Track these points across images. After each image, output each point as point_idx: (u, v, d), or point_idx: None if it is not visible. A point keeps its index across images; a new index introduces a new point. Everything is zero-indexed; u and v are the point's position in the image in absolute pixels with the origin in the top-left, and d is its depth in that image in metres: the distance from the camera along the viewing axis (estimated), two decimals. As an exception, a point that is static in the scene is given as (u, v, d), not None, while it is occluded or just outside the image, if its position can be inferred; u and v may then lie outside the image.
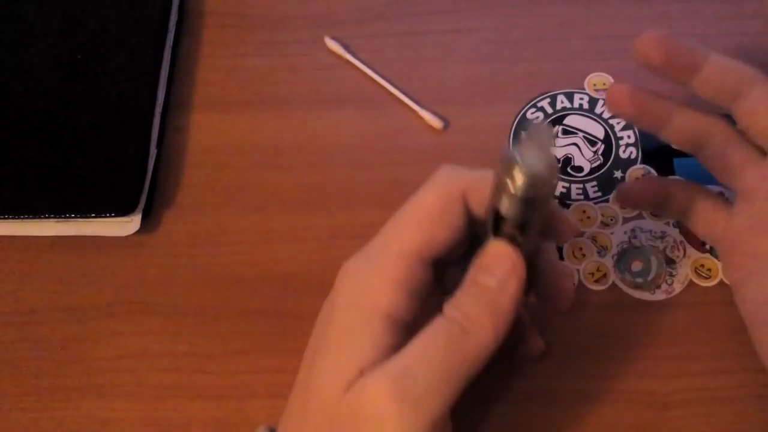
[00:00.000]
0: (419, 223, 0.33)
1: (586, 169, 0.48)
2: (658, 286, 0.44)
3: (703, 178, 0.43)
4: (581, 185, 0.47)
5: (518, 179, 0.28)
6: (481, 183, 0.32)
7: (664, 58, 0.38)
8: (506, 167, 0.28)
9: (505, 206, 0.30)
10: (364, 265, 0.33)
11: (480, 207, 0.33)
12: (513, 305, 0.31)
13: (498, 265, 0.31)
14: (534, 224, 0.31)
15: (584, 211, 0.46)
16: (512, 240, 0.31)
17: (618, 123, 0.49)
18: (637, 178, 0.47)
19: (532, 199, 0.29)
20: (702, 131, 0.40)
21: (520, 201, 0.29)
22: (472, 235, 0.34)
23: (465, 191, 0.33)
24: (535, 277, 0.35)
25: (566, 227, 0.34)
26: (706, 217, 0.41)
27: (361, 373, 0.30)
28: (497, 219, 0.31)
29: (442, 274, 0.35)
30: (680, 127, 0.40)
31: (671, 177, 0.46)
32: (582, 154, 0.48)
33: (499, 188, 0.29)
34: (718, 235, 0.40)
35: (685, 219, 0.43)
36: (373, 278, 0.32)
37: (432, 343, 0.30)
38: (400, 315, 0.32)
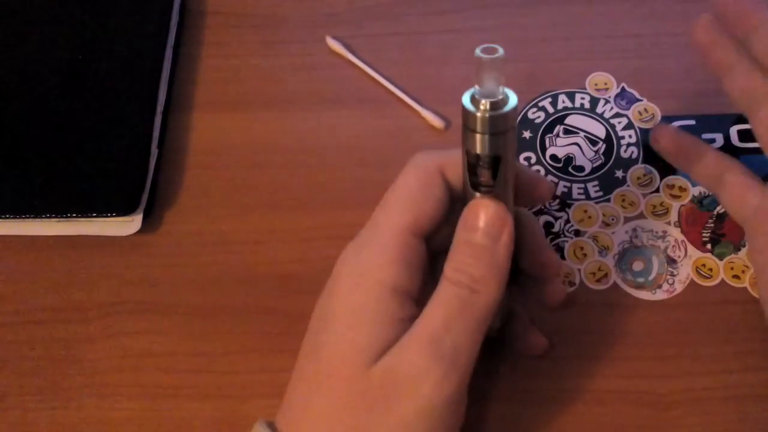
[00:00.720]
0: (405, 200, 0.35)
1: (588, 169, 0.48)
2: (659, 286, 0.43)
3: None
4: (582, 185, 0.47)
5: (482, 105, 0.30)
6: (455, 158, 0.34)
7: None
8: (470, 101, 0.30)
9: (476, 144, 0.31)
10: (360, 248, 0.35)
11: (457, 179, 0.35)
12: (509, 257, 0.33)
13: (488, 222, 0.33)
14: (505, 162, 0.32)
15: (585, 211, 0.46)
16: (490, 193, 0.33)
17: (619, 123, 0.49)
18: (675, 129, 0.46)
19: (499, 122, 0.30)
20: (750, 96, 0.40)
21: (488, 123, 0.30)
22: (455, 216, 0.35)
23: (441, 167, 0.35)
24: (520, 246, 0.36)
25: (539, 184, 0.37)
26: (737, 194, 0.41)
27: (385, 345, 0.32)
28: (471, 165, 0.32)
29: (434, 264, 0.36)
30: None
31: (710, 145, 0.45)
32: (583, 154, 0.48)
33: (468, 127, 0.31)
34: (748, 215, 0.40)
35: (715, 191, 0.43)
36: (373, 257, 0.34)
37: (448, 308, 0.32)
38: (405, 287, 0.33)
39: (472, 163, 0.32)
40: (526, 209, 0.38)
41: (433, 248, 0.35)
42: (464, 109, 0.30)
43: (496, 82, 0.30)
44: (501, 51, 0.29)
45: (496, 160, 0.31)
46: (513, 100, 0.30)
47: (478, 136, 0.31)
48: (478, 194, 0.33)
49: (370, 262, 0.34)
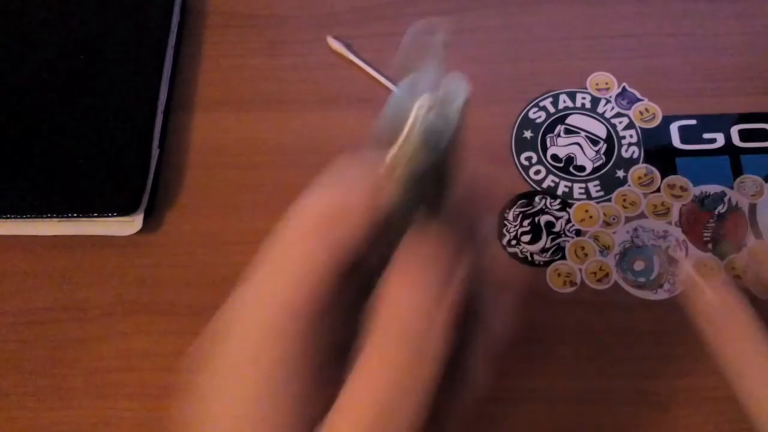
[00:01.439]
0: (316, 235, 0.26)
1: (589, 169, 0.48)
2: (661, 286, 0.43)
3: (704, 178, 0.43)
4: (583, 185, 0.47)
5: (422, 103, 0.23)
6: (382, 168, 0.25)
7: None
8: (407, 93, 0.23)
9: (410, 152, 0.24)
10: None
11: (386, 195, 0.25)
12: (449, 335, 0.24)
13: (428, 282, 0.24)
14: (448, 174, 0.25)
15: (586, 211, 0.46)
16: (429, 216, 0.25)
17: (620, 122, 0.49)
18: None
19: (441, 124, 0.23)
20: None
21: (428, 128, 0.23)
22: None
23: (365, 181, 0.26)
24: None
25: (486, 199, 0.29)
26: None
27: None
28: (407, 179, 0.24)
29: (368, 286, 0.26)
30: None
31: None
32: (584, 154, 0.48)
33: (400, 132, 0.24)
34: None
35: None
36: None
37: (377, 391, 0.24)
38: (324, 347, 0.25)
39: (407, 177, 0.24)
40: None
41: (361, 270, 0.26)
42: (394, 111, 0.23)
43: (436, 72, 0.23)
44: (444, 40, 0.22)
45: (438, 173, 0.24)
46: (459, 91, 0.23)
47: (413, 142, 0.23)
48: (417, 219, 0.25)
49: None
